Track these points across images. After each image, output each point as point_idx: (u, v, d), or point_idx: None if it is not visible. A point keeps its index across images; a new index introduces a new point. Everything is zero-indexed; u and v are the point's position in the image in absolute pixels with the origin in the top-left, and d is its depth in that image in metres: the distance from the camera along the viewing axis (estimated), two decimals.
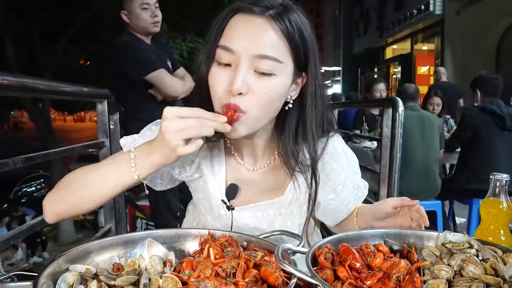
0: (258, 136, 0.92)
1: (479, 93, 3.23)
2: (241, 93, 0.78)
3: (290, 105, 0.88)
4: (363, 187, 1.03)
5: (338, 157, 0.97)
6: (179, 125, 0.74)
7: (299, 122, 0.89)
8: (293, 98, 0.87)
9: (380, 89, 4.24)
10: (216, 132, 0.85)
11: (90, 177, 0.84)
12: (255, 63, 0.78)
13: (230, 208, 0.95)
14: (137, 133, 0.98)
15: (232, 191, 0.95)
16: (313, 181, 0.93)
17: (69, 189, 0.85)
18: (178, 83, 2.30)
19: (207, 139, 0.91)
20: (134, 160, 0.79)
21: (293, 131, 0.89)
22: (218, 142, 0.97)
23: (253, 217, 0.97)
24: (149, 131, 0.96)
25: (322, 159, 0.95)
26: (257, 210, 0.97)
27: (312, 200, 0.96)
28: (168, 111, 0.75)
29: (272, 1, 0.81)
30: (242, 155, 0.98)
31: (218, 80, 0.81)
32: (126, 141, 0.96)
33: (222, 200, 0.96)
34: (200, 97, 0.88)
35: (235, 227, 0.97)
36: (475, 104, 3.26)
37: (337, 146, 0.98)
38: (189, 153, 0.76)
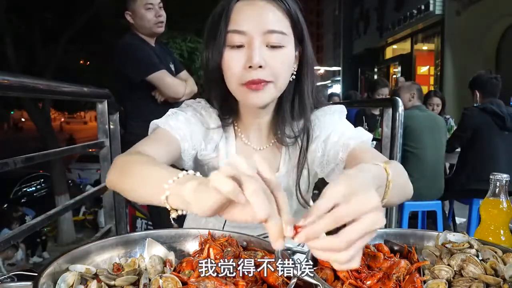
0: (263, 116, 1.00)
1: (478, 93, 3.23)
2: (260, 66, 0.86)
3: (294, 75, 0.96)
4: (360, 129, 0.98)
5: (319, 120, 1.02)
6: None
7: (296, 91, 0.98)
8: (295, 69, 0.96)
9: (384, 94, 4.19)
10: (228, 114, 1.00)
11: (139, 171, 0.73)
12: (266, 39, 0.87)
13: None
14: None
15: None
16: (304, 141, 1.00)
17: (122, 168, 0.79)
18: (180, 84, 2.29)
19: (223, 124, 1.01)
20: (174, 181, 0.61)
21: (290, 100, 0.98)
22: (230, 125, 1.04)
23: None
24: (178, 110, 1.01)
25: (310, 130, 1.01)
26: None
27: (304, 150, 1.00)
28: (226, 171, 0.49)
29: None
30: (249, 137, 1.05)
31: (235, 61, 0.88)
32: (160, 121, 0.96)
33: None
34: (215, 86, 0.96)
35: None
36: (475, 105, 3.25)
37: (318, 112, 1.03)
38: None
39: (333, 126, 0.98)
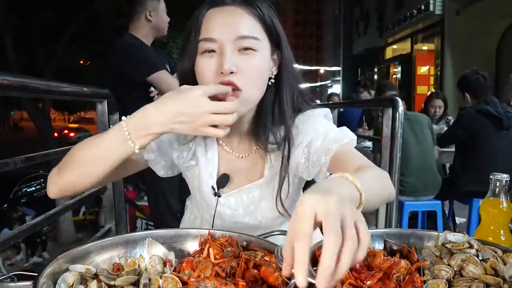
0: (243, 124, 0.98)
1: (468, 95, 3.23)
2: (232, 72, 0.85)
3: (273, 80, 0.95)
4: (345, 130, 0.97)
5: (303, 125, 0.99)
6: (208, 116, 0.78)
7: (276, 97, 0.96)
8: (274, 73, 0.95)
9: None
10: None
11: (90, 155, 0.84)
12: (237, 44, 0.86)
13: (216, 194, 1.01)
14: None
15: (223, 180, 1.01)
16: (285, 149, 0.97)
17: (70, 167, 0.86)
18: (178, 85, 2.31)
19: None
20: (130, 136, 0.80)
21: (270, 107, 0.96)
22: None
23: (240, 201, 1.02)
24: None
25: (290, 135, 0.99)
26: (242, 194, 1.02)
27: (286, 160, 0.98)
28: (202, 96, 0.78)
29: None
30: (231, 145, 1.03)
31: (206, 67, 0.88)
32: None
33: (212, 187, 1.01)
34: None
35: (225, 216, 1.03)
36: (467, 105, 3.25)
37: (301, 117, 1.00)
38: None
39: (315, 131, 0.96)
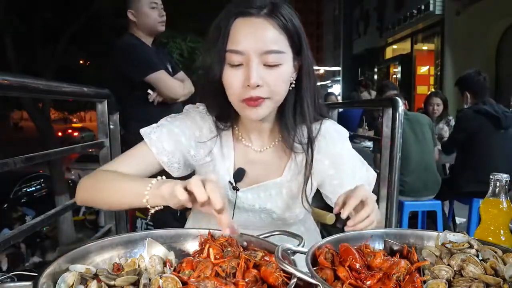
0: (265, 121, 1.01)
1: (468, 94, 3.24)
2: (258, 85, 0.89)
3: (293, 85, 0.98)
4: (367, 167, 1.09)
5: (331, 136, 1.07)
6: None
7: (296, 99, 0.99)
8: (294, 78, 0.98)
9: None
10: (226, 120, 1.03)
11: (116, 186, 0.91)
12: (264, 58, 0.89)
13: (235, 188, 1.03)
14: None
15: (239, 174, 1.04)
16: (309, 149, 1.02)
17: (96, 186, 0.96)
18: (179, 85, 2.30)
19: (218, 129, 1.04)
20: (151, 187, 0.82)
21: (292, 108, 0.99)
22: (228, 129, 1.06)
23: (257, 197, 1.05)
24: (166, 121, 1.06)
25: (317, 141, 1.03)
26: (260, 191, 1.05)
27: (309, 165, 1.02)
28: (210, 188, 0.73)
29: (262, 0, 0.90)
30: (250, 139, 1.06)
31: (234, 79, 0.91)
32: (145, 131, 1.03)
33: (229, 182, 1.04)
34: (214, 97, 0.99)
35: (242, 209, 1.05)
36: (465, 106, 3.26)
37: (329, 127, 1.08)
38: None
39: (348, 155, 1.07)
